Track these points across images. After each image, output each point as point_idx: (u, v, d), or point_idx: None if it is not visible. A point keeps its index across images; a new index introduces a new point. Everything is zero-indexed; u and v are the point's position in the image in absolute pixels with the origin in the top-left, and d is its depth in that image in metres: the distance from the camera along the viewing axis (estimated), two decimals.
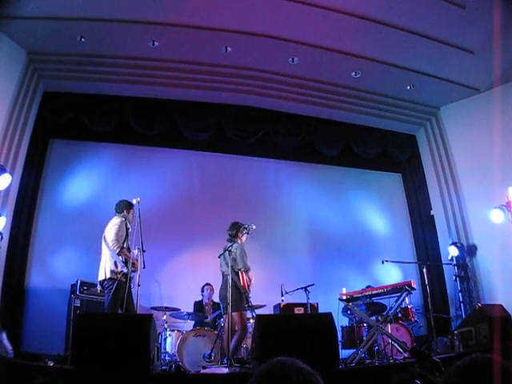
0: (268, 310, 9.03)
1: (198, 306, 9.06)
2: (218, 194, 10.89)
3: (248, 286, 7.53)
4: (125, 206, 7.84)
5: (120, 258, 7.26)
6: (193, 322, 8.78)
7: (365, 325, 8.63)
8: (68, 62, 9.67)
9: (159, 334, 7.60)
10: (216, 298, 9.11)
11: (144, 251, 7.50)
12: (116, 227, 7.47)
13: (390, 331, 7.86)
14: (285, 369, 1.63)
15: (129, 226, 7.74)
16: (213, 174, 11.19)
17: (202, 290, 9.20)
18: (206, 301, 9.14)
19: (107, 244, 7.39)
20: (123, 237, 7.48)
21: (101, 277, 7.29)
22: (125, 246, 7.41)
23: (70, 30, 8.77)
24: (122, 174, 10.62)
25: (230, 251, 7.37)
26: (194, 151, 11.34)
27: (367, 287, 9.78)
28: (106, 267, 7.26)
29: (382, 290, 7.37)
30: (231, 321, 7.27)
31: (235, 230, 7.87)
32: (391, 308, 7.61)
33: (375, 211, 12.03)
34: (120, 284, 7.07)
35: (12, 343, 6.49)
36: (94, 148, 10.68)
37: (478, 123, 10.59)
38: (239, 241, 7.81)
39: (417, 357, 4.44)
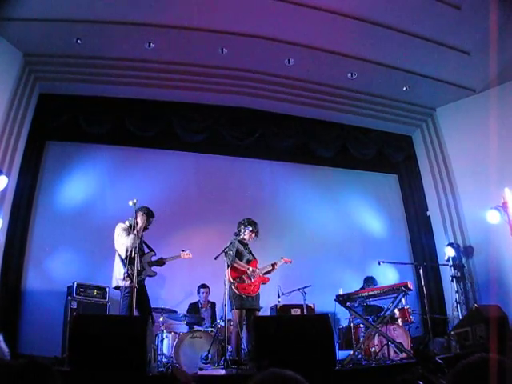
0: (265, 312, 9.03)
1: (194, 307, 9.05)
2: (214, 196, 10.88)
3: (238, 277, 7.63)
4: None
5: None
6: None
7: (362, 326, 8.63)
8: (64, 64, 9.66)
9: (156, 335, 7.60)
10: (212, 298, 9.15)
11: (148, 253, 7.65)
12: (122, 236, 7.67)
13: (386, 332, 7.86)
14: (278, 377, 1.65)
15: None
16: (209, 175, 11.19)
17: (198, 292, 9.21)
18: (202, 303, 9.15)
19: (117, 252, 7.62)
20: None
21: (112, 284, 7.61)
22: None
23: (67, 32, 8.77)
24: (118, 176, 10.61)
25: (226, 252, 7.38)
26: (190, 153, 11.34)
27: (366, 278, 9.81)
28: (114, 275, 7.54)
29: (378, 291, 7.37)
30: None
31: (238, 226, 8.08)
32: (388, 309, 7.61)
33: (371, 212, 12.03)
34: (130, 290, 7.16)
35: (8, 345, 6.46)
36: (91, 150, 10.66)
37: (474, 124, 10.60)
38: (241, 237, 7.97)
39: (421, 358, 4.45)
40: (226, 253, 7.37)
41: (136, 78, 10.13)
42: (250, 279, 7.68)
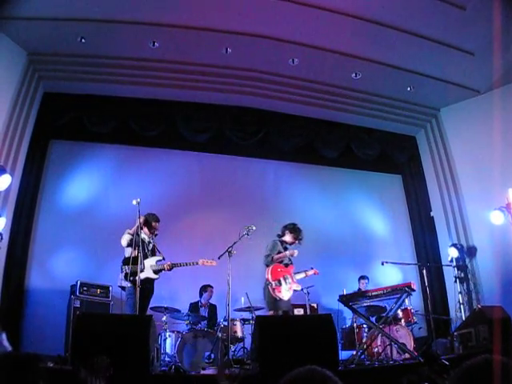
0: (267, 312, 9.03)
1: (194, 307, 9.05)
2: (218, 195, 10.89)
3: (277, 280, 7.76)
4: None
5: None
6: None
7: (365, 326, 8.62)
8: (68, 63, 9.68)
9: (159, 334, 7.60)
10: (213, 300, 9.14)
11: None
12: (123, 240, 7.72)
13: (389, 332, 7.85)
14: (312, 375, 1.66)
15: (144, 236, 7.82)
16: (212, 174, 11.19)
17: (205, 291, 9.19)
18: (203, 302, 9.15)
19: None
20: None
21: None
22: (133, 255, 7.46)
23: (71, 31, 8.77)
24: (121, 175, 10.62)
25: (229, 252, 7.42)
26: (193, 152, 11.34)
27: (361, 277, 9.89)
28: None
29: (381, 292, 7.36)
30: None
31: (282, 229, 8.39)
32: (391, 309, 7.61)
33: (375, 212, 12.02)
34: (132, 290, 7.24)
35: (12, 344, 6.48)
36: (94, 149, 10.68)
37: (478, 125, 10.57)
38: (283, 238, 8.24)
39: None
40: (229, 252, 7.44)
41: (140, 77, 10.13)
42: (285, 283, 7.78)
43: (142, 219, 7.70)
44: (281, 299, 7.66)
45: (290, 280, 7.86)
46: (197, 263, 7.98)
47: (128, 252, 7.50)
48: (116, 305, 8.60)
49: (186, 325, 8.39)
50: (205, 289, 9.21)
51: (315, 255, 10.62)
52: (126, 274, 7.34)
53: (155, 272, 7.73)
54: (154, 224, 7.98)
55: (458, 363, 1.83)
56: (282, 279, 7.76)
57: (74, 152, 10.56)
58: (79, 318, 6.03)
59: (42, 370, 2.22)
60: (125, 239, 7.53)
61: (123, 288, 7.52)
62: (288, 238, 8.23)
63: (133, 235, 7.45)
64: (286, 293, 7.73)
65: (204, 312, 9.02)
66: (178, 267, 7.90)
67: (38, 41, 9.02)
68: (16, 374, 2.08)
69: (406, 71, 10.13)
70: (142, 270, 7.43)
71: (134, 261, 7.29)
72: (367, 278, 9.94)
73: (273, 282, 7.63)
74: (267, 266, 7.86)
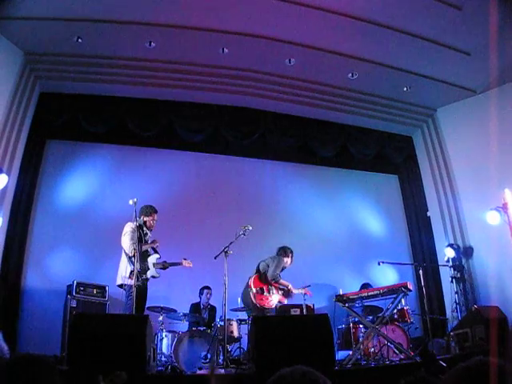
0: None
1: (195, 307, 9.05)
2: (215, 195, 10.88)
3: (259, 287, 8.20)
4: (142, 212, 7.98)
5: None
6: (188, 324, 8.74)
7: (361, 326, 8.62)
8: (65, 63, 9.67)
9: (155, 334, 7.59)
10: (213, 302, 9.14)
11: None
12: (126, 235, 7.60)
13: (386, 332, 7.85)
14: (292, 372, 1.67)
15: (146, 231, 7.83)
16: (209, 175, 11.18)
17: (202, 293, 9.19)
18: (203, 304, 9.14)
19: (124, 250, 7.60)
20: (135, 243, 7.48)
21: (117, 282, 7.59)
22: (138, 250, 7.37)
23: (68, 31, 8.76)
24: (118, 175, 10.60)
25: (226, 252, 7.45)
26: (190, 152, 11.33)
27: (364, 284, 9.84)
28: (120, 273, 7.53)
29: (378, 292, 7.37)
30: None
31: (285, 250, 8.65)
32: (387, 309, 7.61)
33: (371, 212, 12.01)
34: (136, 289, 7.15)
35: (8, 344, 6.47)
36: (91, 149, 10.65)
37: (474, 125, 10.59)
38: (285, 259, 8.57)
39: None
40: (225, 252, 7.48)
41: (136, 77, 10.12)
42: (269, 293, 8.16)
43: (150, 217, 7.92)
44: (262, 307, 8.07)
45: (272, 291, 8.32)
46: (180, 263, 8.14)
47: (128, 249, 7.44)
48: (112, 305, 8.59)
49: (189, 324, 8.48)
50: (201, 291, 9.21)
51: (311, 255, 10.63)
52: (137, 273, 7.24)
53: (157, 270, 7.78)
54: (152, 216, 8.00)
55: (454, 363, 1.83)
56: (264, 287, 8.23)
57: (71, 152, 10.54)
58: (75, 318, 6.01)
59: (58, 372, 2.23)
60: (128, 247, 7.43)
61: (122, 286, 7.47)
62: (288, 260, 8.60)
63: (136, 249, 7.34)
64: (267, 302, 8.17)
65: (205, 313, 9.03)
66: (170, 266, 8.04)
67: (35, 41, 9.01)
68: (37, 376, 2.09)
69: (403, 71, 10.14)
70: (148, 269, 7.56)
71: (143, 258, 7.38)
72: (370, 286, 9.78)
73: (254, 290, 8.04)
74: (270, 280, 8.25)
